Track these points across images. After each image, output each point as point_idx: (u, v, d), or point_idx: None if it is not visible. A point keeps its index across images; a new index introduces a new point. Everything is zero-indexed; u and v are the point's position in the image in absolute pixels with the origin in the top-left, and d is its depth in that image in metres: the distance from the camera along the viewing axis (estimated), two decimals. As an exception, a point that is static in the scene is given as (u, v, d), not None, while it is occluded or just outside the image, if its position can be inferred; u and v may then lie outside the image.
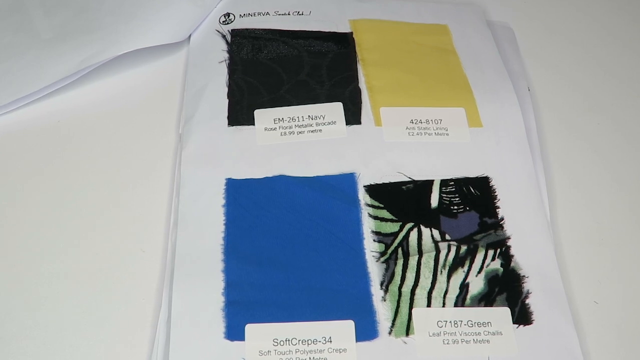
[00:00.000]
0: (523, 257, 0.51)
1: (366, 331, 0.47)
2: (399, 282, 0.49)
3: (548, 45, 0.67)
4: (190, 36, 0.63)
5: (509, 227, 0.52)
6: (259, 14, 0.64)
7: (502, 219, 0.53)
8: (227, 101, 0.58)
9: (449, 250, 0.51)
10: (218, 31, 0.63)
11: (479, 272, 0.50)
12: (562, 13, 0.70)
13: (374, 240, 0.51)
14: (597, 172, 0.58)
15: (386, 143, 0.56)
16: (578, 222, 0.55)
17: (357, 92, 0.59)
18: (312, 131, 0.56)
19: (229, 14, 0.64)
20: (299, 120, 0.57)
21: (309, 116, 0.57)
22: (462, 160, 0.55)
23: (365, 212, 0.52)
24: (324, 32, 0.63)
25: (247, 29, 0.63)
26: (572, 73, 0.65)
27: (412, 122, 0.57)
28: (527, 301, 0.49)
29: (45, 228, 0.53)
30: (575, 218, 0.55)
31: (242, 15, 0.64)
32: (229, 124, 0.57)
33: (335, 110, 0.58)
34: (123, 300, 0.49)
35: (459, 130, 0.57)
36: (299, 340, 0.46)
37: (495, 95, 0.59)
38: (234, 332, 0.47)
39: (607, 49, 0.67)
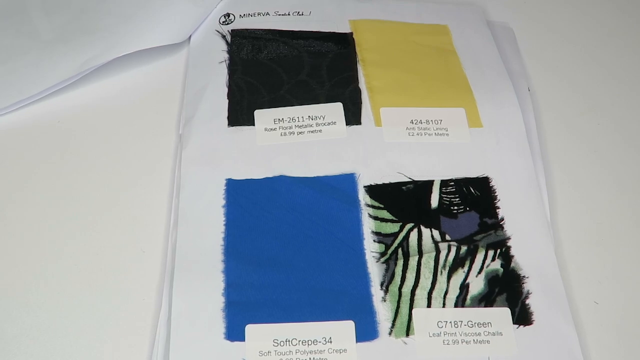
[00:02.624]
0: (523, 258, 0.51)
1: (366, 332, 0.47)
2: (399, 283, 0.49)
3: (548, 45, 0.67)
4: (190, 37, 0.63)
5: (509, 228, 0.52)
6: (259, 14, 0.64)
7: (502, 219, 0.53)
8: (227, 101, 0.58)
9: (449, 251, 0.51)
10: (218, 31, 0.63)
11: (479, 272, 0.50)
12: (562, 13, 0.70)
13: (374, 241, 0.51)
14: (597, 172, 0.58)
15: (386, 143, 0.56)
16: (578, 222, 0.55)
17: (357, 93, 0.59)
18: (312, 131, 0.56)
19: (229, 14, 0.64)
20: (299, 121, 0.57)
21: (309, 116, 0.57)
22: (462, 160, 0.55)
23: (365, 212, 0.52)
24: (324, 32, 0.63)
25: (247, 29, 0.63)
26: (572, 73, 0.65)
27: (412, 122, 0.57)
28: (527, 301, 0.49)
29: (45, 228, 0.53)
30: (575, 218, 0.55)
31: (242, 15, 0.64)
32: (229, 124, 0.57)
33: (335, 110, 0.58)
34: (123, 300, 0.49)
35: (459, 130, 0.57)
36: (299, 341, 0.46)
37: (495, 95, 0.59)
38: (234, 332, 0.47)
39: (607, 49, 0.67)
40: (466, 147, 0.56)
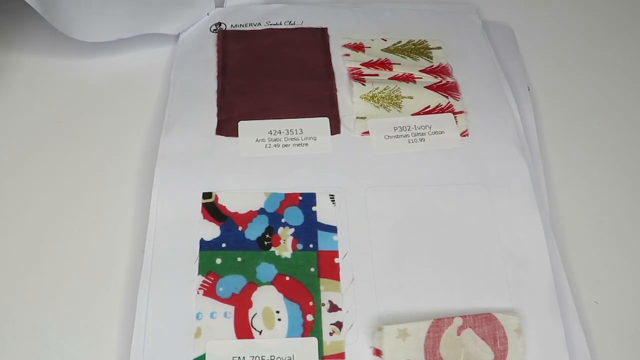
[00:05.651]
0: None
1: None
2: None
3: (548, 45, 0.67)
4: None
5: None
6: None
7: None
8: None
9: None
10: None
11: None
12: (562, 13, 0.70)
13: None
14: (597, 172, 0.58)
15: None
16: (578, 222, 0.55)
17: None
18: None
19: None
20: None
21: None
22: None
23: None
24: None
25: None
26: (572, 73, 0.65)
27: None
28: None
29: (44, 229, 0.53)
30: (576, 218, 0.55)
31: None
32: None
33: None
34: (123, 299, 0.49)
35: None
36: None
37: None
38: None
39: (607, 49, 0.67)
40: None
